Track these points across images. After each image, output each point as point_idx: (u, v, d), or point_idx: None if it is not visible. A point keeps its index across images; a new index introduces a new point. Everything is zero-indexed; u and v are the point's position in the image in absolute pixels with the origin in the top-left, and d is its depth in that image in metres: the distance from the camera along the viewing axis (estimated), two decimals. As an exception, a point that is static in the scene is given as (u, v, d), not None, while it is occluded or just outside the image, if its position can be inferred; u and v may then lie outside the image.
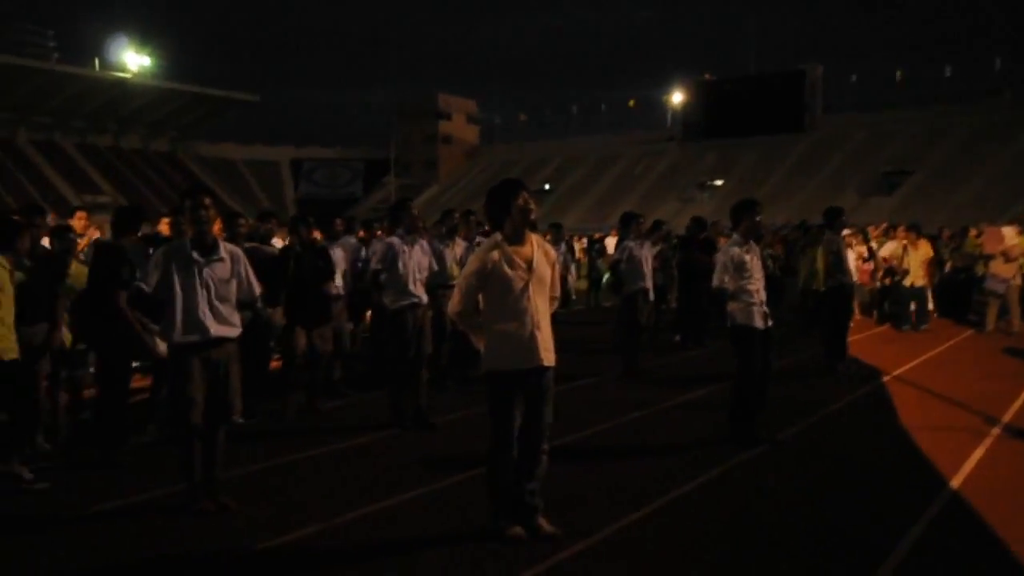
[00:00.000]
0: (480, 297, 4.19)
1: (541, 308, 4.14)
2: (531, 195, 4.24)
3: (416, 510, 4.69)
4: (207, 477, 4.68)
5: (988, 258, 11.95)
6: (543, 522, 4.20)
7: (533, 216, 4.21)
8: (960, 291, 13.38)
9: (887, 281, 12.83)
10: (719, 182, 53.82)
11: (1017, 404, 7.24)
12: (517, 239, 4.14)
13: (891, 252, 12.60)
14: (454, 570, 3.86)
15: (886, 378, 8.62)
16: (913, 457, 5.70)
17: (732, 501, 4.83)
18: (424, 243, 6.73)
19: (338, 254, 7.63)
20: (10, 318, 5.05)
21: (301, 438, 6.26)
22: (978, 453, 5.70)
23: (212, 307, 4.58)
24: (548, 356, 4.15)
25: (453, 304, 4.27)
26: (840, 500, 4.85)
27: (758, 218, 6.20)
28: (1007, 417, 6.74)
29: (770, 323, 6.23)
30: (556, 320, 4.54)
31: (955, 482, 5.06)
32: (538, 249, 4.19)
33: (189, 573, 3.91)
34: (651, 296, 9.04)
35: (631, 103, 67.90)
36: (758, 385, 6.14)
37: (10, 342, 5.02)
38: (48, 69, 51.27)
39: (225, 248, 4.74)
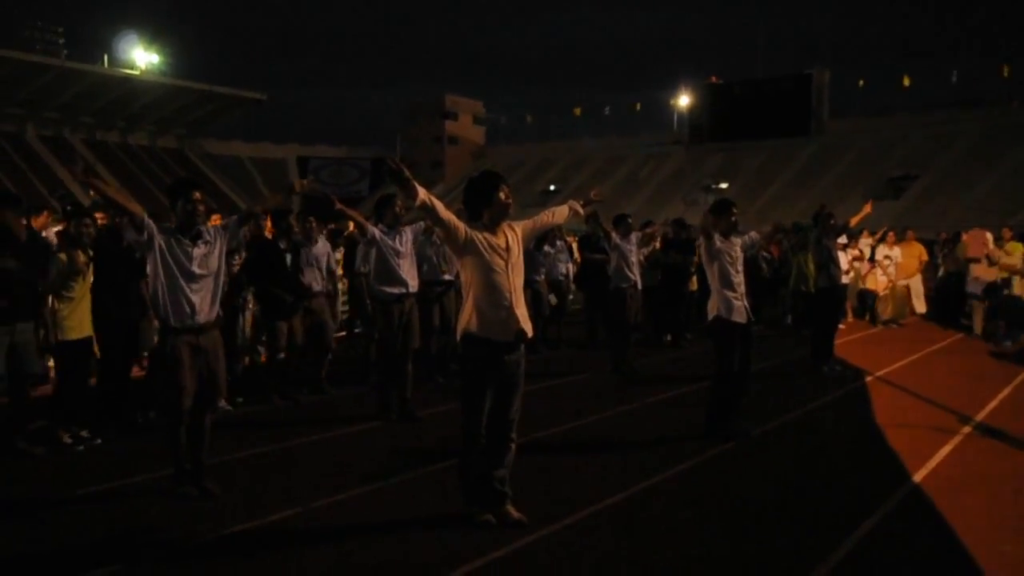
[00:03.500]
0: (462, 269, 4.33)
1: (518, 286, 4.32)
2: (509, 188, 4.40)
3: (393, 496, 4.85)
4: (194, 462, 4.84)
5: (972, 261, 12.04)
6: (511, 509, 4.36)
7: (510, 210, 4.38)
8: (951, 294, 13.47)
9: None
10: (724, 185, 53.79)
11: (993, 404, 7.37)
12: (492, 228, 4.31)
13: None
14: (425, 551, 4.03)
15: (869, 378, 8.74)
16: (882, 453, 5.84)
17: (697, 492, 4.98)
18: (408, 233, 6.81)
19: (320, 249, 7.76)
20: (85, 300, 5.85)
21: (285, 428, 6.43)
22: (945, 450, 5.83)
23: (200, 292, 4.70)
24: (526, 326, 4.31)
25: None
26: (805, 492, 4.99)
27: (734, 218, 6.35)
28: (980, 416, 6.87)
29: (752, 319, 6.37)
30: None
31: (917, 476, 5.20)
32: (511, 234, 4.35)
33: (170, 552, 4.07)
34: (639, 287, 9.18)
35: (637, 106, 67.83)
36: (736, 380, 6.27)
37: (83, 321, 5.81)
38: (57, 65, 51.49)
39: (207, 231, 4.83)
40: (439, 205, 4.23)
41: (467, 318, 4.29)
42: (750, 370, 6.38)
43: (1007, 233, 12.76)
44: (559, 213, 4.77)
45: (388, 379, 6.80)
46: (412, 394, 6.81)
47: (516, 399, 4.36)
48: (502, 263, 4.26)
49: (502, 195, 4.30)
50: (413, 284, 6.79)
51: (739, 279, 6.29)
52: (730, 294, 6.23)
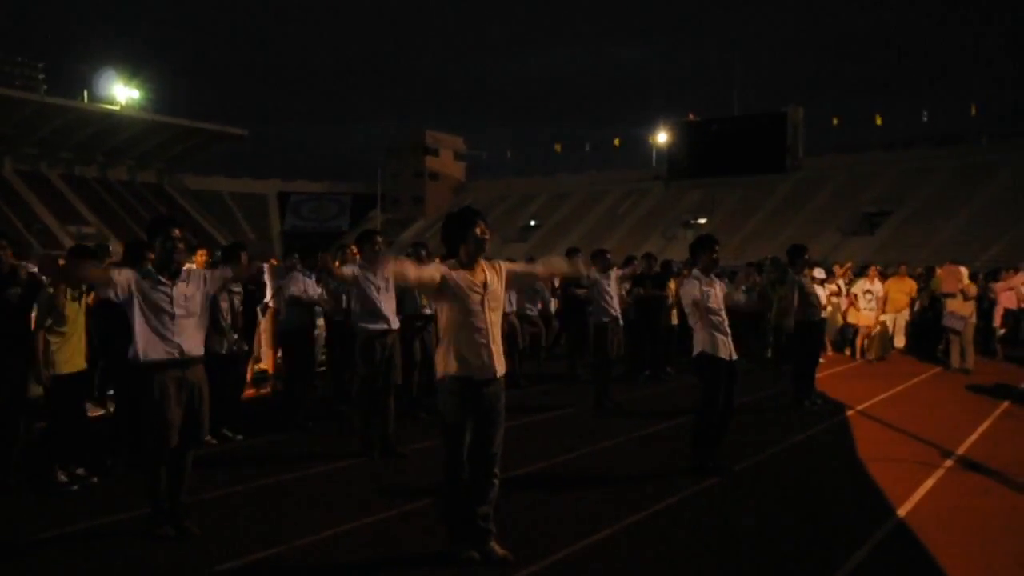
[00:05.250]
0: (439, 311, 4.36)
1: (495, 323, 4.35)
2: (487, 225, 4.42)
3: (377, 533, 4.78)
4: (172, 501, 4.73)
5: (947, 296, 12.18)
6: (495, 546, 4.30)
7: (487, 246, 4.40)
8: (928, 329, 13.61)
9: None
10: (703, 220, 54.36)
11: (973, 437, 7.41)
12: (470, 265, 4.32)
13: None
14: (406, 591, 3.97)
15: (850, 412, 8.77)
16: (865, 487, 5.84)
17: (683, 528, 4.95)
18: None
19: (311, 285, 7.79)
20: (76, 335, 5.69)
21: (265, 465, 6.34)
22: (928, 483, 5.84)
23: (182, 334, 4.66)
24: (500, 367, 4.33)
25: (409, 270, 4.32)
26: (790, 527, 4.98)
27: (715, 255, 6.40)
28: (961, 450, 6.90)
29: (735, 357, 6.38)
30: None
31: (902, 511, 5.20)
32: (490, 271, 4.37)
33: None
34: (620, 322, 9.20)
35: (616, 142, 68.46)
36: (720, 415, 6.26)
37: (73, 355, 5.65)
38: (36, 100, 51.36)
39: (188, 272, 4.85)
40: (408, 267, 4.31)
41: (444, 360, 4.28)
42: (733, 406, 6.38)
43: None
44: (555, 268, 4.97)
45: (369, 415, 6.74)
46: (394, 430, 6.75)
47: (497, 434, 4.33)
48: (478, 299, 4.26)
49: (478, 231, 4.32)
50: (394, 320, 6.78)
51: (722, 315, 6.33)
52: (714, 330, 6.26)
